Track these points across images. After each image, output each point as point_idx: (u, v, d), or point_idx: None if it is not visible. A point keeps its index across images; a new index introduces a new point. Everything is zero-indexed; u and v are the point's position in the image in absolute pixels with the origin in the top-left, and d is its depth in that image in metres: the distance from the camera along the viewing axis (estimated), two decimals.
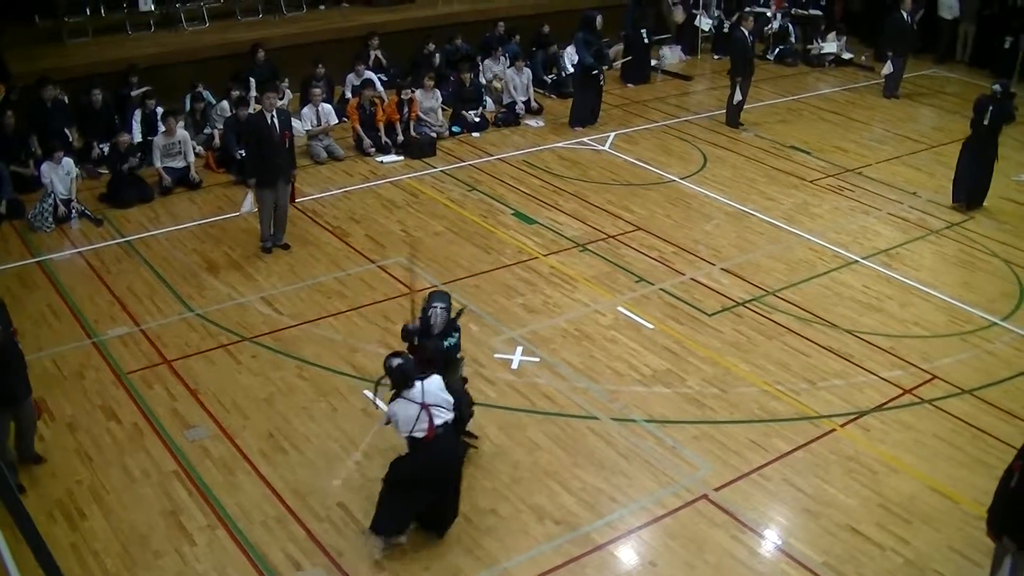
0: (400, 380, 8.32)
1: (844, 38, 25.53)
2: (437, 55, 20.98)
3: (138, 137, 16.98)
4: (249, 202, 14.28)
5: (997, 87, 16.22)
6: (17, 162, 15.75)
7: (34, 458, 9.80)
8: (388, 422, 8.46)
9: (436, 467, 8.56)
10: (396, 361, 8.31)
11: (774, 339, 12.38)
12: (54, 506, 9.21)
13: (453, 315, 9.50)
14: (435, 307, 9.42)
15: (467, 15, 23.34)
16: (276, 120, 13.63)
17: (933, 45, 25.69)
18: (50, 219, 14.74)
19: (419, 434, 8.35)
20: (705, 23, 25.87)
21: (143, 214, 15.38)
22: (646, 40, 22.65)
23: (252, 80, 18.97)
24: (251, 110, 17.00)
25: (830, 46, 25.29)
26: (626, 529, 9.16)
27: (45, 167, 14.91)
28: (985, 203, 16.55)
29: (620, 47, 22.59)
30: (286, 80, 19.07)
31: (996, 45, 24.39)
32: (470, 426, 10.05)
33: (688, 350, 12.04)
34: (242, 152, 16.57)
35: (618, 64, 22.39)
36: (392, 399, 8.41)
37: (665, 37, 25.57)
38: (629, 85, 22.78)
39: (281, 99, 18.69)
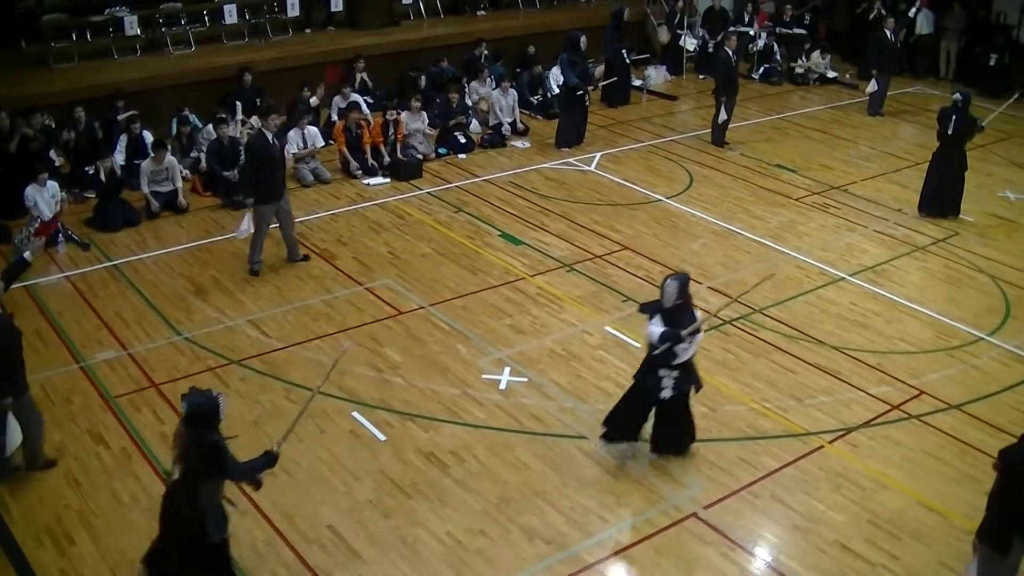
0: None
1: (828, 56, 25.66)
2: (423, 77, 21.02)
3: (121, 160, 16.95)
4: (247, 223, 14.18)
5: (958, 96, 16.39)
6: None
7: (44, 464, 9.86)
8: None
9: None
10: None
11: (761, 357, 12.40)
12: (42, 531, 9.18)
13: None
14: (670, 282, 9.68)
15: (452, 37, 23.43)
16: (276, 140, 14.00)
17: (915, 63, 25.85)
18: (33, 242, 14.68)
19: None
20: (690, 43, 25.96)
21: (130, 238, 15.37)
22: (627, 60, 22.71)
23: (239, 104, 19.01)
24: (233, 131, 17.06)
25: (817, 64, 25.40)
26: (615, 548, 9.17)
27: (30, 190, 14.87)
28: (971, 219, 16.65)
29: (601, 68, 22.65)
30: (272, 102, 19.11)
31: (982, 62, 24.52)
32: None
33: None
34: (227, 175, 16.61)
35: (601, 85, 22.43)
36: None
37: (646, 57, 25.68)
38: (618, 107, 22.84)
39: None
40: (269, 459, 8.08)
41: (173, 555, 8.04)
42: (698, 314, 10.00)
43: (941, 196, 16.62)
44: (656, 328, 9.62)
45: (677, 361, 9.71)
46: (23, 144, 16.26)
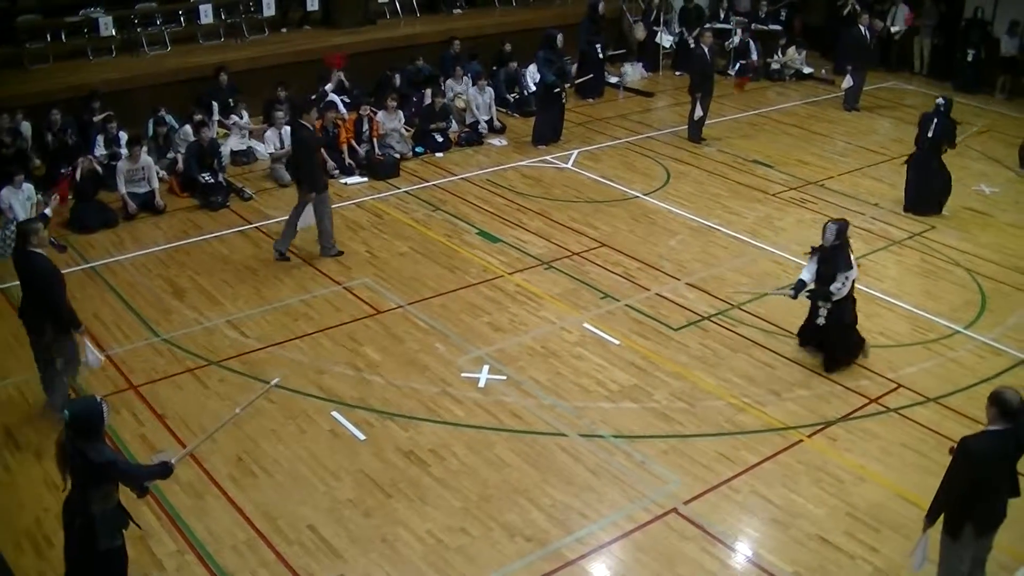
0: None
1: (804, 52, 25.73)
2: (398, 76, 20.99)
3: (101, 152, 16.95)
4: (310, 215, 14.49)
5: (941, 100, 16.50)
6: None
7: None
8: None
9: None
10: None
11: (740, 352, 12.45)
12: (21, 535, 9.15)
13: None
14: (830, 225, 11.79)
15: (428, 36, 23.35)
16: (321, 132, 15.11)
17: (889, 58, 25.96)
18: (11, 245, 14.60)
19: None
20: (666, 40, 26.02)
21: (107, 239, 15.32)
22: (600, 55, 22.73)
23: (215, 104, 18.97)
24: (211, 133, 17.01)
25: (792, 59, 25.48)
26: (596, 544, 9.19)
27: (5, 192, 14.83)
28: (947, 213, 16.77)
29: (576, 64, 22.68)
30: (244, 104, 19.09)
31: (959, 56, 24.63)
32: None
33: (655, 365, 12.09)
34: (205, 176, 16.57)
35: (577, 82, 22.46)
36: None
37: (622, 53, 25.71)
38: (590, 100, 22.88)
39: (242, 120, 18.78)
40: (164, 470, 7.84)
41: (69, 567, 7.90)
42: (853, 258, 11.72)
43: (924, 196, 16.70)
44: (804, 273, 11.94)
45: (835, 298, 11.67)
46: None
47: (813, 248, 11.97)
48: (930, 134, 16.41)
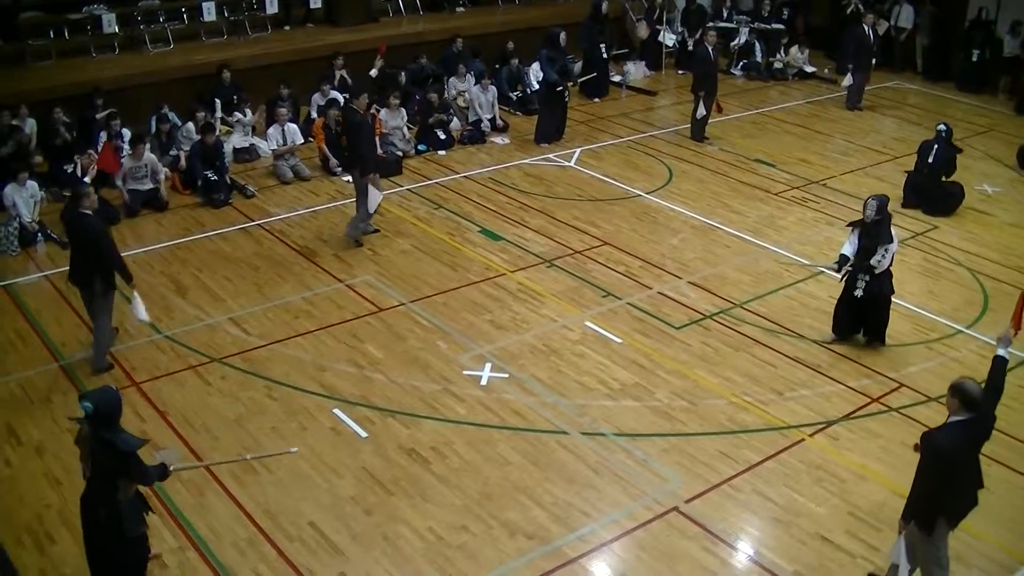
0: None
1: (807, 51, 25.70)
2: (402, 74, 21.00)
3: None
4: (376, 194, 14.90)
5: (942, 128, 16.57)
6: None
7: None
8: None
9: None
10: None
11: (742, 351, 12.45)
12: (23, 531, 9.17)
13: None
14: (871, 201, 12.09)
15: (431, 34, 23.41)
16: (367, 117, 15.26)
17: (891, 57, 25.90)
18: (15, 243, 14.68)
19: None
20: (669, 39, 26.01)
21: None
22: (604, 55, 22.73)
23: (218, 101, 18.98)
24: (215, 136, 17.01)
25: (797, 58, 25.47)
26: (598, 543, 9.19)
27: (9, 190, 14.85)
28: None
29: (581, 64, 22.70)
30: (247, 101, 19.10)
31: (963, 57, 24.60)
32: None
33: (656, 363, 12.09)
34: (208, 174, 16.56)
35: (580, 81, 22.47)
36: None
37: (625, 52, 25.70)
38: (596, 100, 22.87)
39: (245, 117, 18.77)
40: (162, 472, 8.15)
41: (95, 557, 8.10)
42: (894, 231, 12.09)
43: (928, 200, 16.77)
44: (846, 248, 12.20)
45: (877, 271, 12.02)
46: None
47: (852, 223, 12.35)
48: (930, 159, 16.46)
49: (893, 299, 12.37)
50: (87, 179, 12.80)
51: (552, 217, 16.31)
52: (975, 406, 7.64)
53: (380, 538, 9.16)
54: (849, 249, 12.19)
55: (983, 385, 7.85)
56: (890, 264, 12.13)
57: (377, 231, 15.36)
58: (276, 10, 22.86)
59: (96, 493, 7.89)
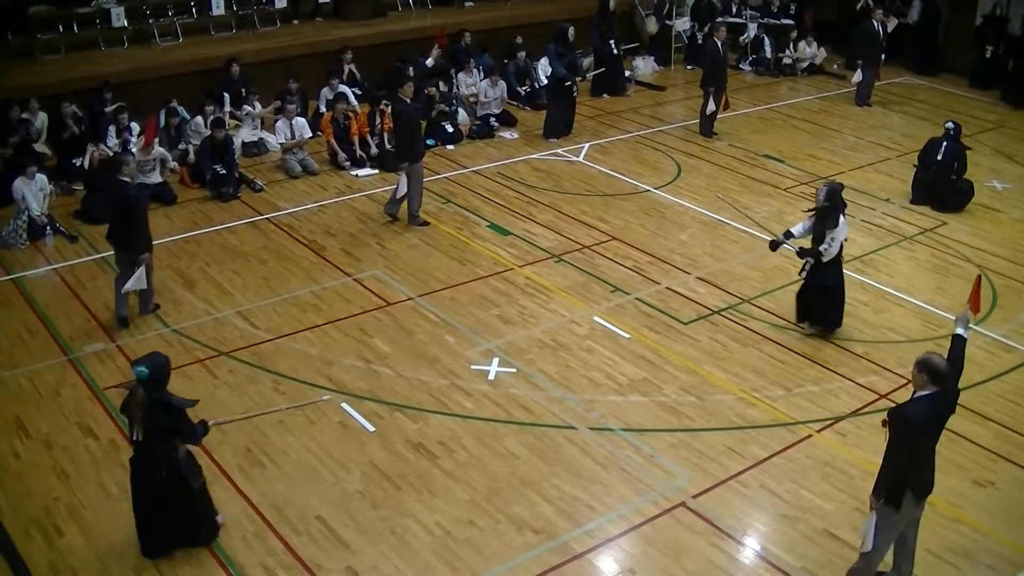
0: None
1: (815, 46, 25.61)
2: (410, 69, 20.97)
3: (114, 143, 17.01)
4: (404, 184, 15.23)
5: (950, 125, 16.51)
6: None
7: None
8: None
9: None
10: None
11: (750, 347, 12.44)
12: (31, 524, 9.18)
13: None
14: (822, 187, 12.37)
15: (439, 28, 23.34)
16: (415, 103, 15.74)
17: (901, 53, 25.79)
18: (24, 236, 14.70)
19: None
20: (680, 24, 25.86)
21: None
22: (615, 51, 22.70)
23: (226, 95, 19.00)
24: (225, 132, 17.01)
25: (806, 53, 25.41)
26: (605, 537, 9.19)
27: (18, 183, 14.86)
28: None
29: (591, 60, 22.67)
30: (256, 95, 19.11)
31: (977, 53, 24.51)
32: None
33: (664, 359, 12.09)
34: (216, 168, 16.58)
35: (589, 76, 22.44)
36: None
37: (635, 47, 25.66)
38: (605, 96, 22.84)
39: (254, 110, 18.79)
40: (204, 429, 8.75)
41: (162, 518, 8.68)
42: (842, 219, 12.06)
43: (937, 204, 16.74)
44: (796, 227, 12.57)
45: (824, 259, 12.15)
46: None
47: (810, 209, 12.61)
48: (939, 157, 16.41)
49: (903, 295, 12.38)
50: (133, 149, 14.36)
51: (560, 212, 16.30)
52: (940, 379, 7.82)
53: (387, 532, 9.17)
54: (797, 228, 12.56)
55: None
56: (838, 254, 12.21)
57: (427, 224, 15.69)
58: (284, 4, 22.86)
59: (153, 455, 8.47)
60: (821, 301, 12.54)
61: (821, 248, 12.12)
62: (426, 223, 15.65)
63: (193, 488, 8.67)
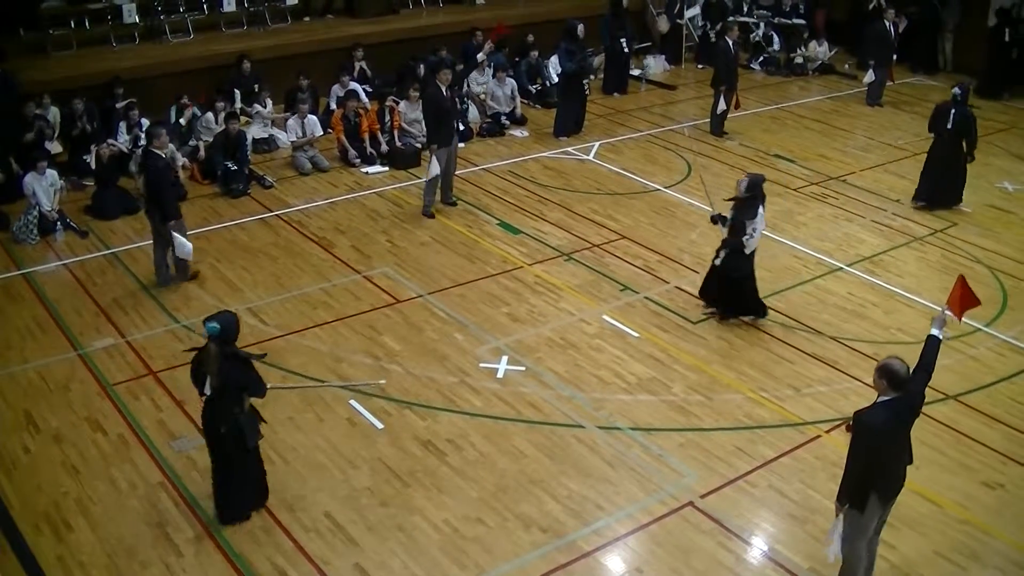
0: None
1: (827, 46, 25.57)
2: (421, 66, 20.99)
3: (124, 141, 17.01)
4: (436, 165, 15.52)
5: (957, 90, 16.27)
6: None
7: (190, 276, 13.64)
8: None
9: None
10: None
11: (759, 346, 12.42)
12: (40, 518, 9.21)
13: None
14: (744, 178, 12.60)
15: (451, 26, 23.38)
16: (448, 92, 15.80)
17: (913, 53, 25.69)
18: (35, 231, 14.73)
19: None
20: (690, 13, 25.78)
21: (128, 226, 15.38)
22: (625, 50, 22.68)
23: (237, 92, 19.02)
24: (239, 125, 17.03)
25: (817, 53, 25.37)
26: (612, 536, 9.19)
27: (29, 178, 14.90)
28: (969, 209, 16.64)
29: (602, 58, 22.67)
30: (268, 91, 19.14)
31: (991, 54, 24.38)
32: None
33: (673, 358, 12.08)
34: (228, 164, 16.60)
35: (600, 74, 22.44)
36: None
37: (646, 46, 25.63)
38: (615, 95, 22.84)
39: (265, 108, 18.82)
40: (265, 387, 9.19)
41: (223, 467, 9.12)
42: (760, 210, 12.24)
43: (943, 188, 16.59)
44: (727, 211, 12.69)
45: (747, 250, 12.42)
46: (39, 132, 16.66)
47: (731, 199, 12.79)
48: (949, 125, 16.26)
49: (913, 296, 12.33)
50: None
51: (570, 210, 16.30)
52: (902, 386, 7.79)
53: (395, 529, 9.18)
54: (728, 213, 12.79)
55: (914, 367, 8.09)
56: (754, 246, 12.48)
57: (455, 203, 16.37)
58: (296, 1, 22.92)
59: (217, 410, 8.88)
60: (725, 289, 12.82)
61: (743, 239, 12.30)
62: (455, 202, 16.26)
63: (248, 447, 8.99)
